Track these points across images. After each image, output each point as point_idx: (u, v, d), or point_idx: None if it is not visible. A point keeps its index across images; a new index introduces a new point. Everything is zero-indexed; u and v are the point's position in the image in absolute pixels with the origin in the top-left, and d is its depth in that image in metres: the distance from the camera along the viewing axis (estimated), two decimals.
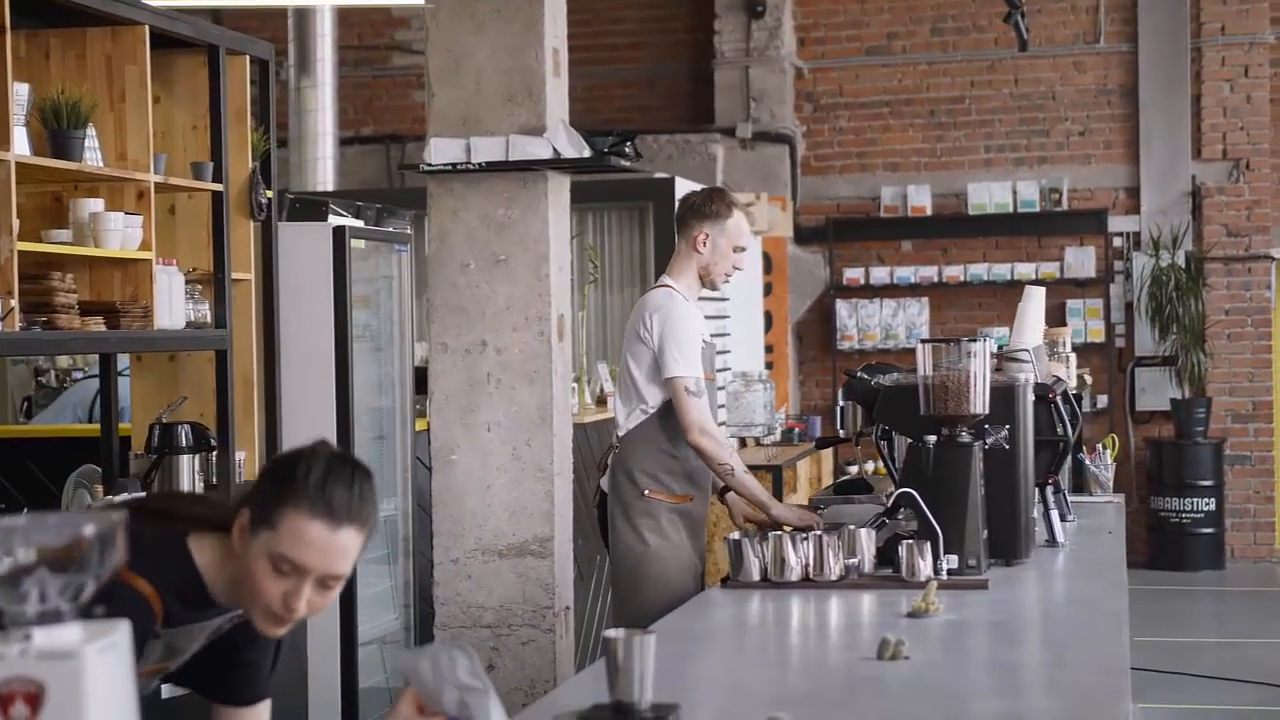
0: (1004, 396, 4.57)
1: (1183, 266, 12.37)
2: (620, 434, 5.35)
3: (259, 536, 2.60)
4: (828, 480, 10.48)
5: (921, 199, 12.88)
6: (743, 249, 5.37)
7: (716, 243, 5.31)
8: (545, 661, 5.70)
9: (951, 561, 4.30)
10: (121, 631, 1.80)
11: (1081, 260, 12.64)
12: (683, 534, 5.26)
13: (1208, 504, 12.25)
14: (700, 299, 8.20)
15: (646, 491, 5.24)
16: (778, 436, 10.49)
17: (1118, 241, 12.75)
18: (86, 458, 5.85)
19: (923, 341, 4.48)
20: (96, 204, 5.05)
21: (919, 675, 3.18)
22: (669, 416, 5.27)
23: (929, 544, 4.24)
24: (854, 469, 12.38)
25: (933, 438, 4.43)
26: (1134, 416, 12.74)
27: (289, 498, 2.58)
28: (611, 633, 2.76)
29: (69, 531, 1.77)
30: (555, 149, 5.94)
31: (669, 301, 5.26)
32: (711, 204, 5.36)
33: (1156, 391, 12.60)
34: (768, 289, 12.40)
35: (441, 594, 5.72)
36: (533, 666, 5.67)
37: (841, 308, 12.95)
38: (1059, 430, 5.06)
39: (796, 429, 11.39)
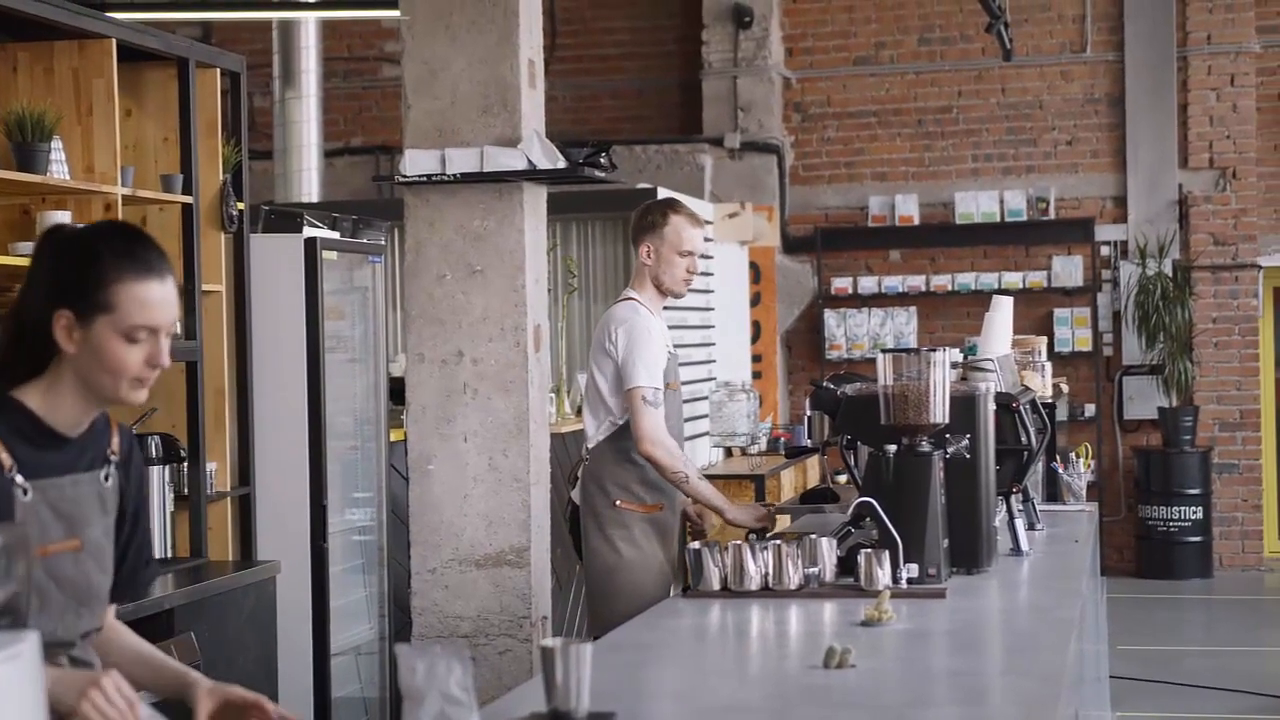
0: (965, 406, 4.57)
1: (1170, 275, 12.38)
2: (590, 446, 5.45)
3: (96, 323, 2.67)
4: None
5: (909, 208, 12.90)
6: (689, 253, 5.46)
7: (659, 252, 5.44)
8: (522, 671, 5.71)
9: (912, 570, 4.31)
10: (29, 642, 1.82)
11: (1069, 269, 12.65)
12: (654, 543, 5.33)
13: (1195, 512, 12.26)
14: (681, 308, 8.26)
15: (618, 502, 5.34)
16: (763, 446, 10.50)
17: (1105, 250, 12.76)
18: None
19: (883, 351, 4.50)
20: (63, 216, 5.07)
21: (861, 684, 3.19)
22: None
23: (888, 553, 4.26)
24: (843, 478, 12.39)
25: (893, 447, 4.44)
26: (1122, 425, 12.75)
27: (109, 279, 2.67)
28: (547, 642, 2.78)
29: None
30: (530, 160, 5.96)
31: (633, 315, 5.38)
32: (647, 216, 5.51)
33: (1144, 400, 12.61)
34: (756, 299, 12.43)
35: (419, 604, 5.74)
36: (510, 676, 5.67)
37: (830, 317, 12.96)
38: (1023, 439, 5.06)
39: (783, 438, 11.40)
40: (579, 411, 8.12)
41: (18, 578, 1.83)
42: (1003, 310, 5.57)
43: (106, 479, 2.81)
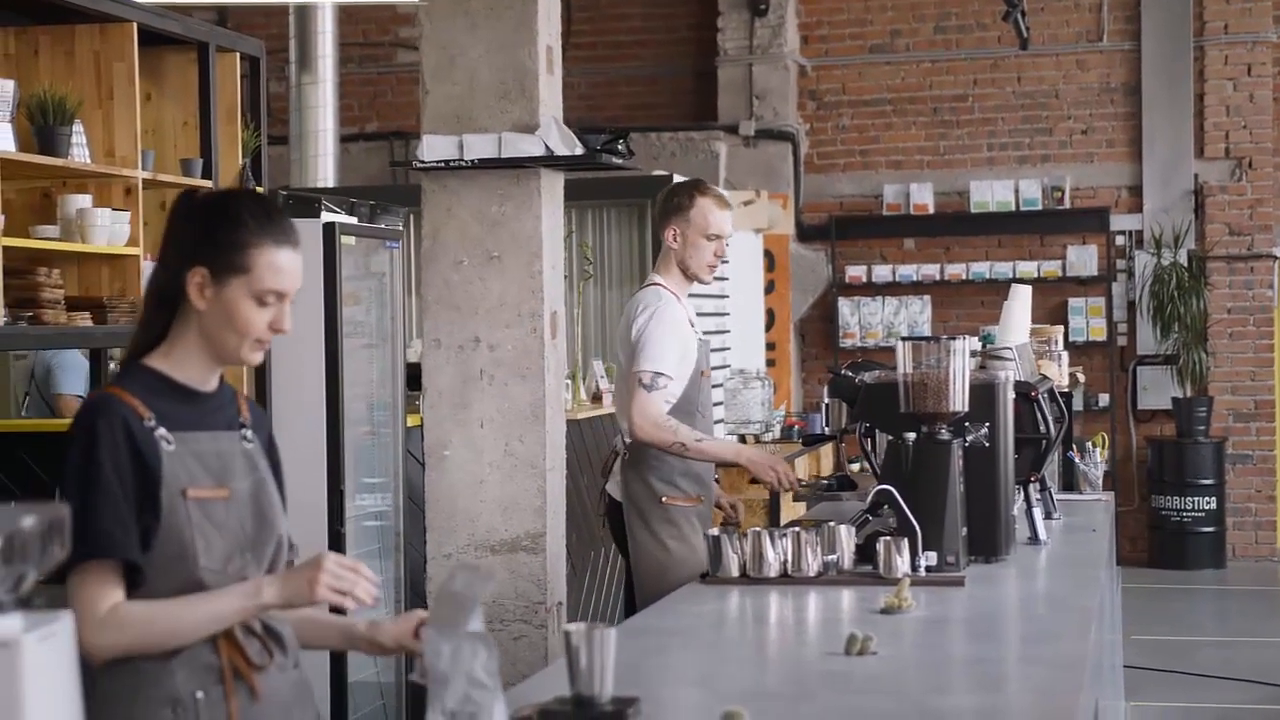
0: (984, 394, 4.56)
1: (1185, 265, 12.37)
2: (628, 439, 5.29)
3: (230, 284, 2.78)
4: None
5: (924, 197, 12.89)
6: (716, 237, 5.31)
7: (685, 235, 5.29)
8: (537, 657, 5.72)
9: (930, 558, 4.30)
10: (62, 623, 1.82)
11: (1084, 259, 12.64)
12: (699, 535, 5.25)
13: (1209, 503, 12.25)
14: (695, 295, 8.22)
15: (664, 498, 5.21)
16: (777, 433, 10.50)
17: (1120, 240, 12.75)
18: None
19: (903, 339, 4.49)
20: (84, 200, 5.07)
21: (883, 671, 3.20)
22: (676, 418, 5.22)
23: (906, 541, 4.25)
24: (856, 466, 12.39)
25: (912, 435, 4.43)
26: (1136, 415, 12.74)
27: (248, 243, 2.79)
28: (571, 627, 2.78)
29: (9, 523, 1.79)
30: (548, 146, 5.96)
31: (657, 301, 5.26)
32: (673, 198, 5.35)
33: (1158, 390, 12.60)
34: (770, 286, 12.42)
35: (434, 589, 5.75)
36: (525, 662, 5.68)
37: (844, 305, 12.96)
38: (1041, 428, 5.06)
39: (797, 426, 11.40)
40: (595, 398, 8.13)
41: (52, 558, 1.83)
42: (1021, 299, 5.56)
43: (246, 441, 2.92)
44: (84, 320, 4.99)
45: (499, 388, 6.00)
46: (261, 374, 6.07)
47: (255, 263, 2.78)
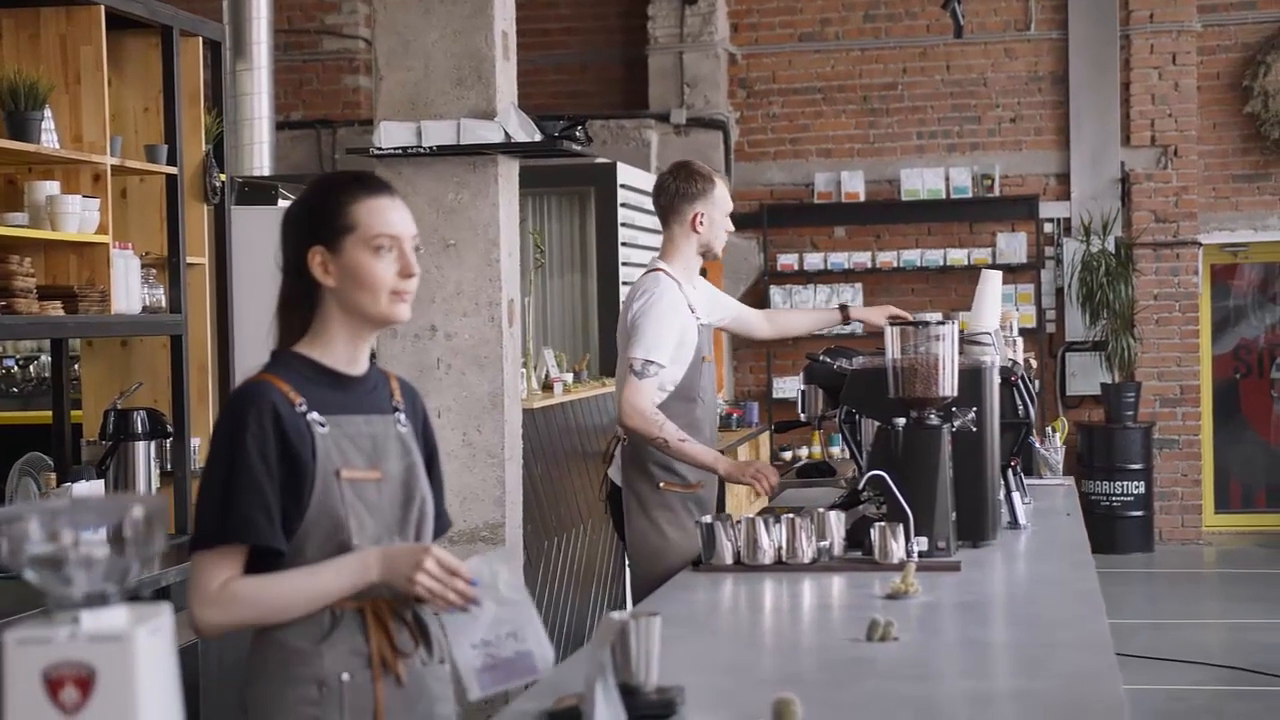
0: (971, 379, 4.58)
1: (1112, 252, 12.49)
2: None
3: (345, 246, 2.85)
4: None
5: (855, 185, 12.93)
6: (730, 210, 5.43)
7: (712, 218, 5.33)
8: None
9: (921, 543, 4.31)
10: (165, 614, 1.78)
11: (1013, 246, 12.74)
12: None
13: (1137, 487, 12.39)
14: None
15: (661, 484, 5.17)
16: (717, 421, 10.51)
17: (1049, 227, 12.86)
18: (37, 445, 5.76)
19: (891, 324, 4.49)
20: (53, 186, 4.97)
21: (910, 655, 3.19)
22: (675, 405, 5.17)
23: (900, 526, 4.26)
24: (788, 454, 12.42)
25: (901, 420, 4.44)
26: (1064, 401, 12.86)
27: (345, 202, 2.86)
28: (617, 615, 2.76)
29: (119, 513, 1.75)
30: (506, 133, 5.92)
31: (657, 287, 5.18)
32: (696, 183, 5.32)
33: (1087, 376, 12.73)
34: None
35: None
36: None
37: (776, 294, 12.98)
38: (1021, 412, 5.09)
39: (734, 415, 11.44)
40: (546, 387, 8.09)
41: (156, 549, 1.79)
42: (993, 284, 5.57)
43: (400, 425, 2.94)
44: (54, 309, 4.88)
45: (456, 377, 5.96)
46: (225, 364, 5.98)
47: (357, 216, 2.84)
